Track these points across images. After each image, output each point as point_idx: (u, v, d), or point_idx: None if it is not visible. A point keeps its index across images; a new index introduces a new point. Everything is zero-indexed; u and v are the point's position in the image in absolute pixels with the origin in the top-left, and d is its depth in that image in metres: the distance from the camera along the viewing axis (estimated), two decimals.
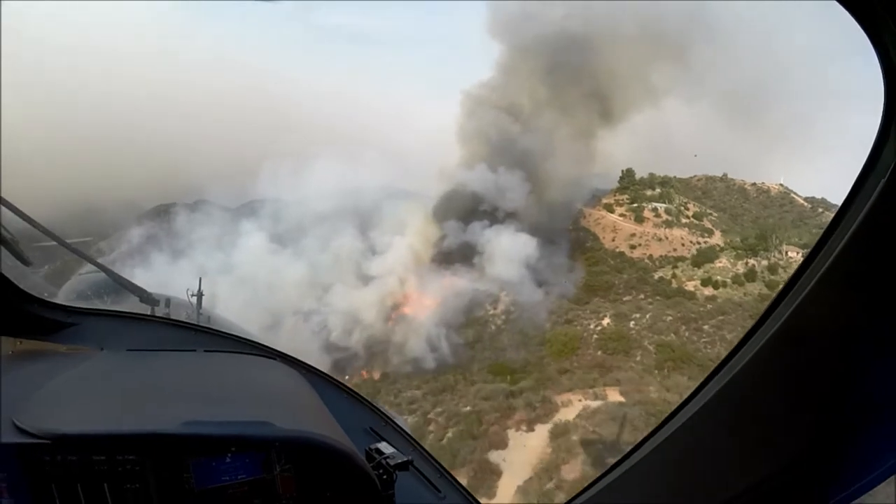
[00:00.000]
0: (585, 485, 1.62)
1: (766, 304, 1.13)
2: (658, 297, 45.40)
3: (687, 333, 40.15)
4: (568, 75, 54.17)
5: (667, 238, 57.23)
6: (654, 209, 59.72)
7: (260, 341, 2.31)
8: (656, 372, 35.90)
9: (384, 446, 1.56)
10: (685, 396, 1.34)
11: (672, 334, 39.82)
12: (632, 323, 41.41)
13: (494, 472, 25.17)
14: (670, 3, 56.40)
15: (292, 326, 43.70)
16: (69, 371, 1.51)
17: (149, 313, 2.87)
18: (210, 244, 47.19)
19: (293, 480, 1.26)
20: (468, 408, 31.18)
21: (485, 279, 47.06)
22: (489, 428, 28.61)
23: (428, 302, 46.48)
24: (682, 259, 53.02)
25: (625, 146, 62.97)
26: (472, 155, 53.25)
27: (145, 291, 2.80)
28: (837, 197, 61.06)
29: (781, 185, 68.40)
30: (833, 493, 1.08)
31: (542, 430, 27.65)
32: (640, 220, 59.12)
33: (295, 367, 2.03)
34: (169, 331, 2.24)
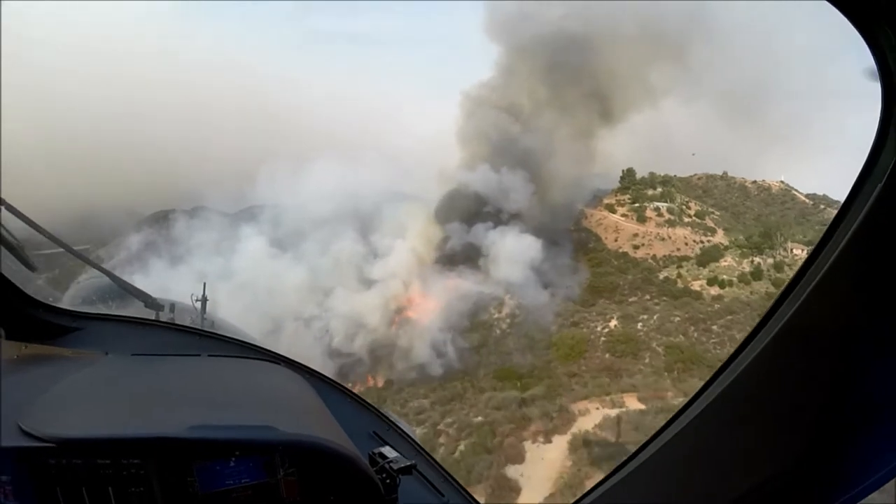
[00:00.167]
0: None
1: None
2: (664, 298, 44.40)
3: (696, 334, 39.16)
4: (567, 75, 53.47)
5: (670, 237, 56.35)
6: (657, 209, 58.83)
7: (264, 346, 2.29)
8: (667, 374, 34.89)
9: (388, 450, 1.55)
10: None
11: (681, 335, 38.81)
12: (639, 324, 40.36)
13: (513, 489, 23.54)
14: (669, 3, 55.67)
15: (294, 332, 42.80)
16: (74, 375, 1.52)
17: (153, 318, 2.85)
18: (209, 250, 46.37)
19: (297, 484, 1.25)
20: (479, 418, 29.77)
21: (489, 281, 45.99)
22: (504, 440, 27.11)
23: (432, 305, 45.38)
24: (686, 258, 52.07)
25: (624, 146, 62.19)
26: (473, 156, 52.39)
27: (150, 296, 2.84)
28: (838, 193, 60.62)
29: (782, 182, 67.59)
30: (837, 493, 1.06)
31: (561, 442, 26.29)
32: (642, 219, 58.23)
33: (299, 372, 2.00)
34: (173, 335, 2.24)
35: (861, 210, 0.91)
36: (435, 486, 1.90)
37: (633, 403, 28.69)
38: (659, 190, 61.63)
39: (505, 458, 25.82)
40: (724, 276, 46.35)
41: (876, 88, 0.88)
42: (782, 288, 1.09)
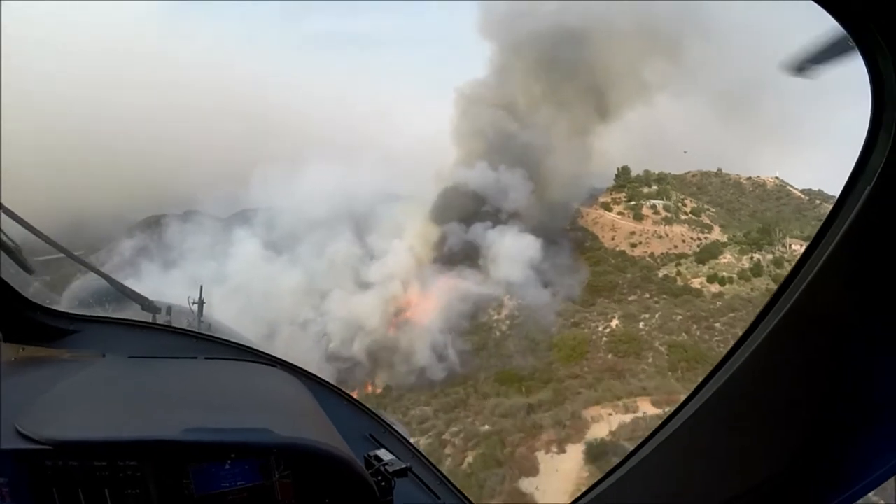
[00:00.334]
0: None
1: None
2: (665, 296, 43.38)
3: (698, 332, 38.18)
4: (562, 72, 52.73)
5: (667, 235, 55.59)
6: (653, 206, 58.06)
7: (260, 349, 2.26)
8: (671, 374, 33.83)
9: (383, 453, 1.55)
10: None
11: (683, 334, 37.81)
12: (641, 324, 39.28)
13: None
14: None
15: (290, 336, 41.45)
16: (71, 377, 1.52)
17: (150, 321, 2.83)
18: (202, 254, 45.06)
19: (292, 487, 1.25)
20: (486, 427, 28.21)
21: (489, 281, 44.77)
22: (514, 450, 25.50)
23: (430, 307, 44.05)
24: (684, 256, 51.24)
25: (618, 144, 61.50)
26: (469, 154, 51.26)
27: (147, 299, 2.88)
28: (833, 188, 60.22)
29: (777, 178, 67.16)
30: (834, 492, 1.08)
31: (575, 451, 24.83)
32: (638, 217, 57.42)
33: (295, 375, 1.99)
34: (170, 338, 2.25)
35: (852, 210, 0.92)
36: (430, 489, 1.87)
37: (647, 407, 27.39)
38: (654, 188, 60.90)
39: (518, 470, 24.28)
40: (724, 273, 45.36)
41: (865, 81, 0.88)
42: (776, 287, 1.07)
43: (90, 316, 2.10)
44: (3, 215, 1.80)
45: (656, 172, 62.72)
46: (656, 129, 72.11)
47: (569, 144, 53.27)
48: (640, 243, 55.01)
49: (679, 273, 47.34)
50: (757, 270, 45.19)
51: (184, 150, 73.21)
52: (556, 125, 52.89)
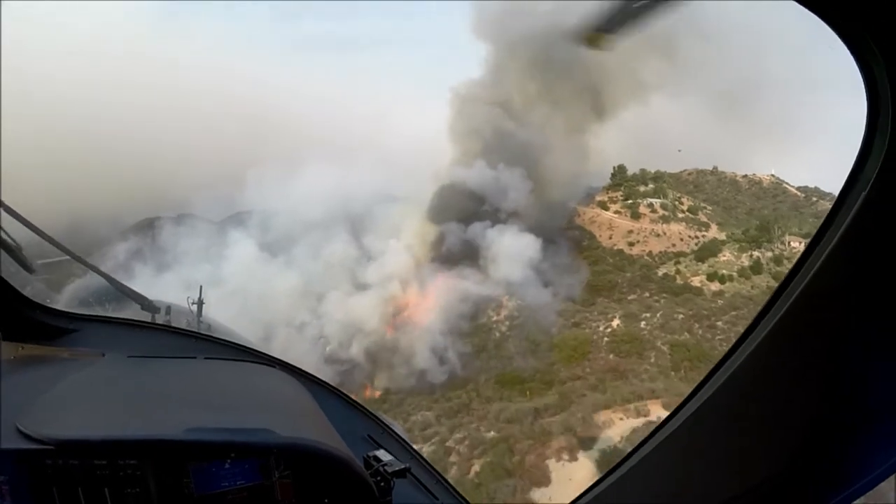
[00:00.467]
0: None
1: None
2: (665, 295, 42.61)
3: (700, 331, 37.44)
4: (556, 72, 51.98)
5: (665, 233, 55.00)
6: (650, 205, 57.38)
7: (260, 349, 2.25)
8: (673, 374, 32.95)
9: (382, 454, 1.54)
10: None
11: (685, 333, 37.03)
12: (642, 323, 38.44)
13: None
14: None
15: (287, 339, 40.38)
16: (71, 376, 1.51)
17: (150, 321, 2.82)
18: (197, 257, 43.97)
19: (292, 487, 1.24)
20: (492, 433, 26.80)
21: (488, 282, 43.79)
22: (524, 458, 24.05)
23: (429, 308, 43.00)
24: (682, 254, 50.59)
25: (613, 143, 60.74)
26: (466, 153, 50.41)
27: (146, 299, 2.85)
28: (829, 185, 59.84)
29: (773, 175, 66.51)
30: (832, 493, 1.08)
31: (588, 459, 23.52)
32: (636, 216, 56.78)
33: (294, 375, 1.99)
34: (170, 338, 2.22)
35: (849, 214, 0.93)
36: (429, 490, 1.87)
37: (658, 410, 26.20)
38: (651, 186, 60.24)
39: (529, 479, 22.85)
40: (724, 271, 44.72)
41: (857, 79, 0.89)
42: (777, 285, 1.09)
43: (90, 315, 2.06)
44: (4, 214, 1.77)
45: (652, 171, 62.12)
46: (650, 128, 71.57)
47: (565, 143, 52.79)
48: (638, 242, 54.41)
49: (678, 271, 46.64)
50: (757, 268, 44.56)
51: (178, 153, 71.83)
52: (552, 124, 52.43)
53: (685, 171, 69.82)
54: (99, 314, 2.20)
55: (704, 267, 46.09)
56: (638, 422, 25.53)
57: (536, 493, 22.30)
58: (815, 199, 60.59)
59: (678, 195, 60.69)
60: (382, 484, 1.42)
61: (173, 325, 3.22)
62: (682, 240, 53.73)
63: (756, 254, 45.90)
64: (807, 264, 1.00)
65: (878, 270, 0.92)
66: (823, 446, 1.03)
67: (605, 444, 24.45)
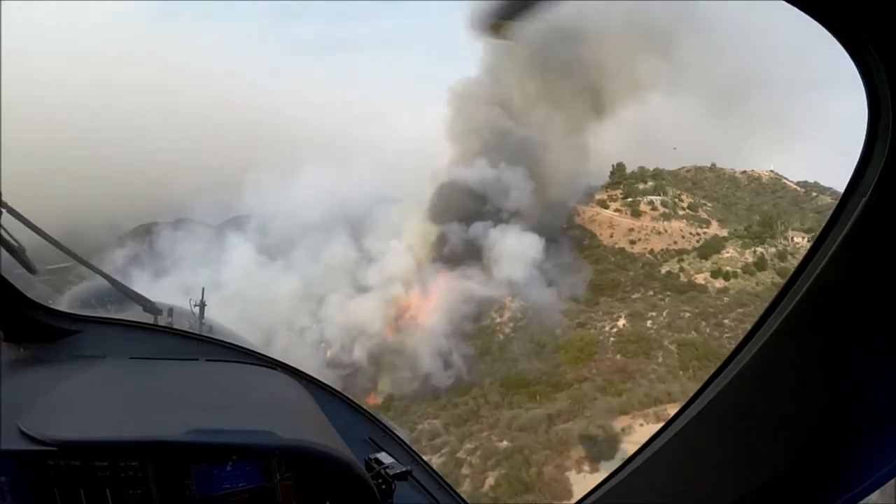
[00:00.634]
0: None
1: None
2: (669, 293, 41.56)
3: (708, 329, 36.33)
4: (555, 71, 51.30)
5: (666, 231, 53.88)
6: (651, 202, 56.27)
7: (261, 352, 2.21)
8: (681, 373, 31.80)
9: (383, 456, 1.52)
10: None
11: (693, 331, 35.89)
12: (648, 322, 37.31)
13: None
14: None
15: (287, 344, 39.14)
16: (73, 378, 1.50)
17: (152, 322, 2.81)
18: (195, 262, 43.03)
19: (293, 489, 1.23)
20: (505, 442, 25.12)
21: (491, 282, 42.62)
22: (541, 470, 22.39)
23: (431, 310, 41.78)
24: (684, 251, 49.43)
25: (611, 141, 59.89)
26: (465, 153, 49.29)
27: (148, 301, 2.85)
28: (829, 180, 59.07)
29: (772, 171, 65.47)
30: (837, 493, 1.08)
31: (611, 470, 21.72)
32: (636, 214, 55.67)
33: (296, 377, 1.98)
34: (171, 340, 2.21)
35: (850, 218, 0.93)
36: (430, 493, 1.85)
37: None
38: (650, 184, 59.15)
39: (549, 494, 21.03)
40: (728, 268, 43.66)
41: (851, 75, 0.91)
42: (782, 281, 1.21)
43: (92, 316, 2.03)
44: (6, 215, 1.76)
45: (651, 169, 61.12)
46: (648, 126, 70.63)
47: (565, 142, 51.90)
48: (640, 240, 53.28)
49: (682, 269, 45.63)
50: (761, 264, 43.49)
51: (175, 157, 70.76)
52: (552, 123, 51.49)
53: (683, 167, 68.77)
54: (101, 316, 2.16)
55: (708, 264, 45.03)
56: (658, 427, 23.69)
57: None
58: (815, 193, 59.56)
59: (678, 192, 59.64)
60: (384, 486, 1.39)
61: (175, 327, 3.16)
62: (683, 237, 52.58)
63: (759, 250, 44.84)
64: (809, 266, 1.00)
65: (880, 274, 0.92)
66: (829, 446, 1.02)
67: (628, 453, 22.68)
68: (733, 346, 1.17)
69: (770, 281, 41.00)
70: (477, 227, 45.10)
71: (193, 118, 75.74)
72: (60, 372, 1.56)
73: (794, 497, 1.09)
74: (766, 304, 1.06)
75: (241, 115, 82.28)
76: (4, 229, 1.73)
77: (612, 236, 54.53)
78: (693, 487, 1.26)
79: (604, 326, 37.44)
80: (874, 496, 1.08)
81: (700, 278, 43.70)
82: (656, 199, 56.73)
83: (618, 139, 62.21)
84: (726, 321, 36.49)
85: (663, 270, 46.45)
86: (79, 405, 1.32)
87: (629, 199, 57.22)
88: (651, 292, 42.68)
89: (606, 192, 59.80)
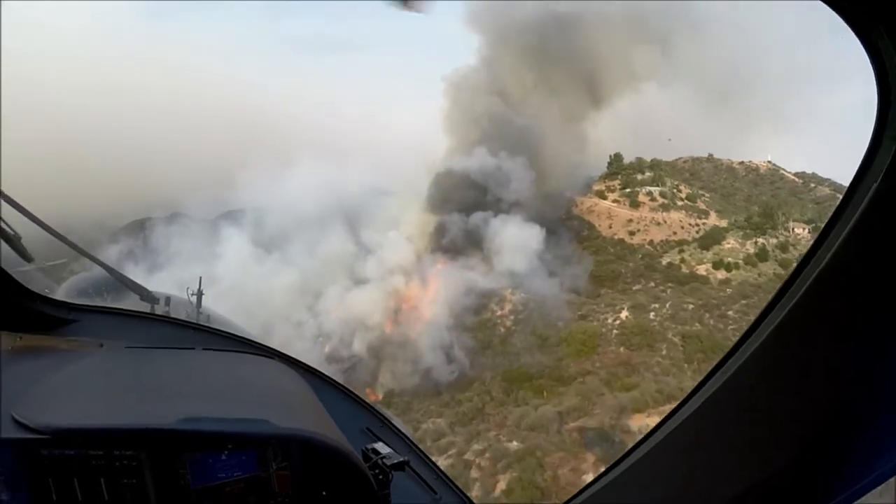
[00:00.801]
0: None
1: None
2: (671, 284, 40.58)
3: (712, 321, 35.35)
4: (551, 60, 50.57)
5: (665, 222, 52.96)
6: (649, 193, 55.30)
7: (258, 341, 2.18)
8: (687, 366, 30.83)
9: (381, 446, 1.48)
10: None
11: (696, 323, 34.91)
12: (652, 314, 36.28)
13: None
14: None
15: (285, 337, 37.94)
16: (69, 367, 1.47)
17: (148, 311, 2.78)
18: (189, 256, 42.05)
19: (289, 478, 1.20)
20: (515, 443, 23.61)
21: (492, 273, 41.46)
22: (556, 473, 20.91)
23: (431, 301, 40.58)
24: (685, 242, 48.48)
25: (608, 131, 59.21)
26: (462, 142, 48.26)
27: (145, 290, 2.75)
28: (826, 171, 58.25)
29: (769, 162, 64.59)
30: (839, 489, 1.06)
31: None
32: (635, 205, 54.78)
33: (293, 367, 1.92)
34: (168, 329, 2.18)
35: (858, 208, 0.91)
36: (428, 484, 1.83)
37: None
38: (648, 174, 58.18)
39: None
40: (730, 259, 42.69)
41: (854, 70, 0.99)
42: (784, 272, 1.07)
43: (88, 305, 2.00)
44: (3, 203, 1.75)
45: (648, 159, 60.09)
46: (644, 117, 69.87)
47: (563, 132, 50.91)
48: (639, 231, 52.41)
49: (683, 260, 44.69)
50: (763, 255, 42.56)
51: (169, 154, 69.31)
52: (549, 112, 50.48)
53: (680, 158, 68.00)
54: (98, 305, 2.13)
55: (709, 255, 44.09)
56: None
57: None
58: (813, 184, 58.82)
59: (676, 183, 58.67)
60: (381, 477, 1.38)
61: (172, 315, 3.12)
62: (682, 228, 51.70)
63: (761, 241, 43.89)
64: (816, 257, 0.98)
65: (889, 263, 0.89)
66: (833, 440, 0.99)
67: None
68: (738, 337, 1.12)
69: (772, 272, 40.10)
70: (477, 217, 43.93)
71: (188, 116, 74.37)
72: (56, 361, 1.51)
73: (797, 490, 1.06)
74: (770, 296, 1.02)
75: (237, 112, 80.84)
76: (1, 218, 1.68)
77: (610, 227, 53.62)
78: (696, 480, 1.23)
79: (606, 318, 36.38)
80: (876, 496, 1.02)
81: (702, 269, 42.78)
82: (655, 189, 55.78)
83: (614, 129, 61.42)
84: (730, 313, 35.54)
85: (664, 261, 45.50)
86: (73, 394, 1.28)
87: (627, 190, 56.35)
88: (653, 284, 41.71)
89: (604, 182, 58.94)
